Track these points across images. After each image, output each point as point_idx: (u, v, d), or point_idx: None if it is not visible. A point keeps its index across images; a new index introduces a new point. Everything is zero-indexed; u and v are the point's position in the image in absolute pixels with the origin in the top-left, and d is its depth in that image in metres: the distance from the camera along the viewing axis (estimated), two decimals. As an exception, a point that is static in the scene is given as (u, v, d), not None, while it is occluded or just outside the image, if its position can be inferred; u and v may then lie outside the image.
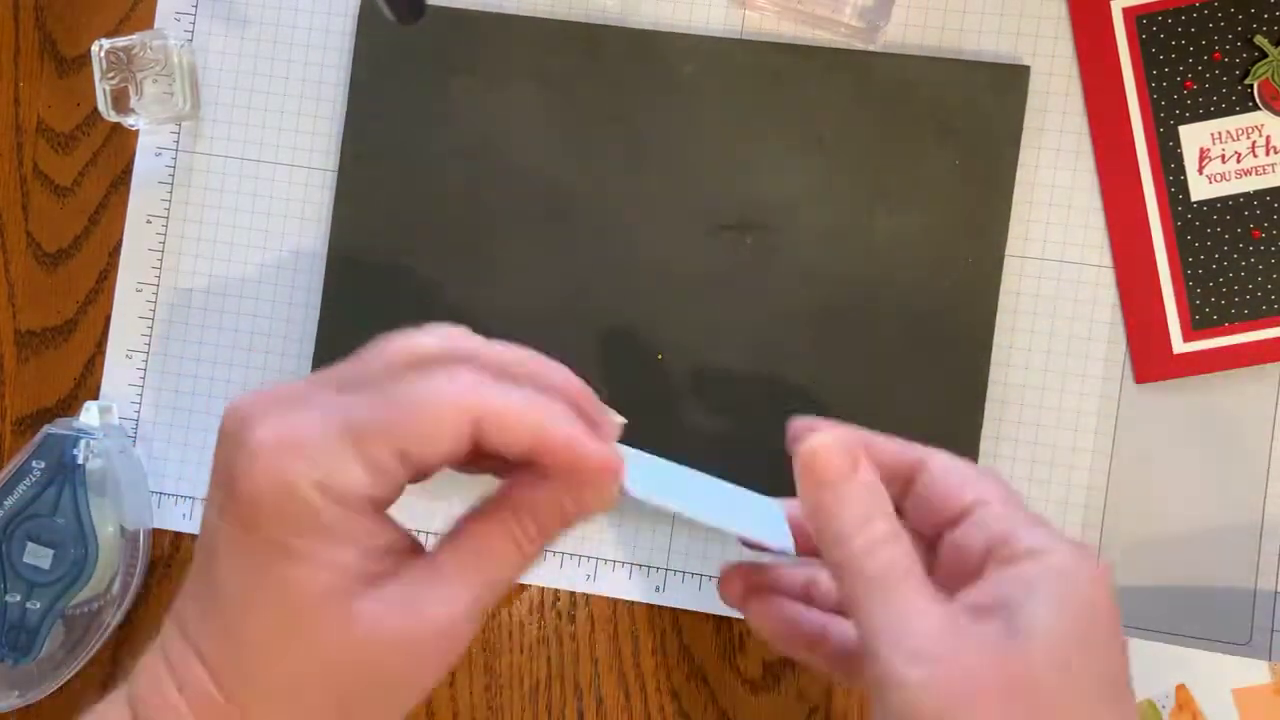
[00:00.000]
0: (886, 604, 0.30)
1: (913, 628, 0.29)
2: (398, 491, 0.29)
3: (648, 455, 0.32)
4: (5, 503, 0.47)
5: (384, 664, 0.29)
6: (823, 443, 0.31)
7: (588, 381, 0.31)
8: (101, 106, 0.49)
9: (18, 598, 0.47)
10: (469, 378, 0.29)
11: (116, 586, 0.48)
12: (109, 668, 0.50)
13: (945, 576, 0.32)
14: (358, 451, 0.28)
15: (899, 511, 0.33)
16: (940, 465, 0.33)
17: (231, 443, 0.29)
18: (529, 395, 0.29)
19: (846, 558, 0.30)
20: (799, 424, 0.33)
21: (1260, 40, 0.45)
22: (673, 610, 0.48)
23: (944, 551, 0.33)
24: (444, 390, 0.28)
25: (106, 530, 0.47)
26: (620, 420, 0.31)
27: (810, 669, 0.46)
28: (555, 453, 0.29)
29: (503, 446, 0.29)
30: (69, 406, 0.51)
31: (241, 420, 0.29)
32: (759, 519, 0.33)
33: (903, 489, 0.34)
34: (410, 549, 0.30)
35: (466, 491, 0.31)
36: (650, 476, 0.32)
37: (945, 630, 0.29)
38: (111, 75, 0.48)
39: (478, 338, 0.30)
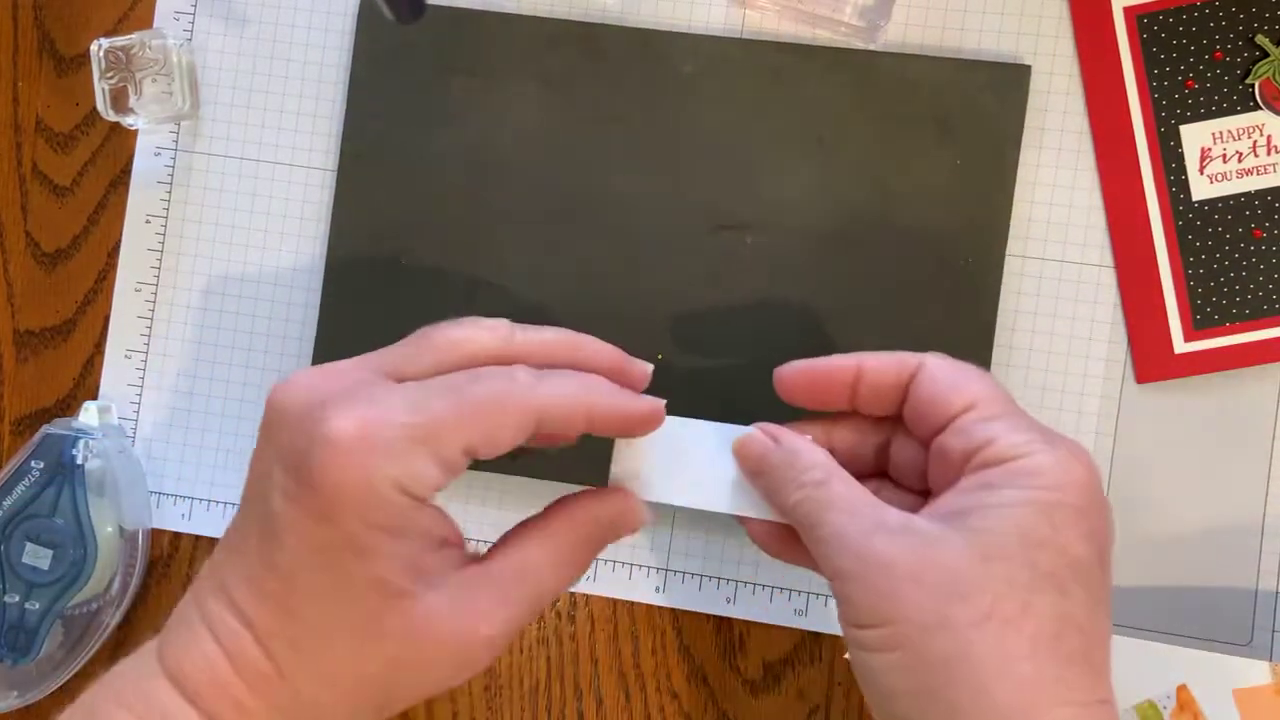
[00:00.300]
0: (831, 527, 0.32)
1: (850, 537, 0.31)
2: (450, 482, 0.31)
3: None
4: (4, 503, 0.47)
5: (432, 661, 0.31)
6: (744, 437, 0.35)
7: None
8: (100, 106, 0.49)
9: (17, 598, 0.47)
10: (527, 377, 0.31)
11: (115, 587, 0.48)
12: (108, 668, 0.50)
13: (933, 484, 0.34)
14: (430, 450, 0.29)
15: (901, 422, 0.35)
16: (930, 372, 0.34)
17: (303, 431, 0.29)
18: (578, 382, 0.32)
19: (793, 516, 0.33)
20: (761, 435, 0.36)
21: (1261, 40, 0.45)
22: (673, 610, 0.48)
23: (931, 458, 0.34)
24: (509, 392, 0.31)
25: (105, 530, 0.47)
26: (649, 368, 0.35)
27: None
28: (609, 424, 0.33)
29: (560, 432, 0.32)
30: (68, 407, 0.51)
31: (314, 407, 0.29)
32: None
33: (902, 399, 0.35)
34: (458, 540, 0.32)
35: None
36: (653, 468, 0.36)
37: (882, 532, 0.31)
38: (110, 75, 0.48)
39: (518, 327, 0.33)
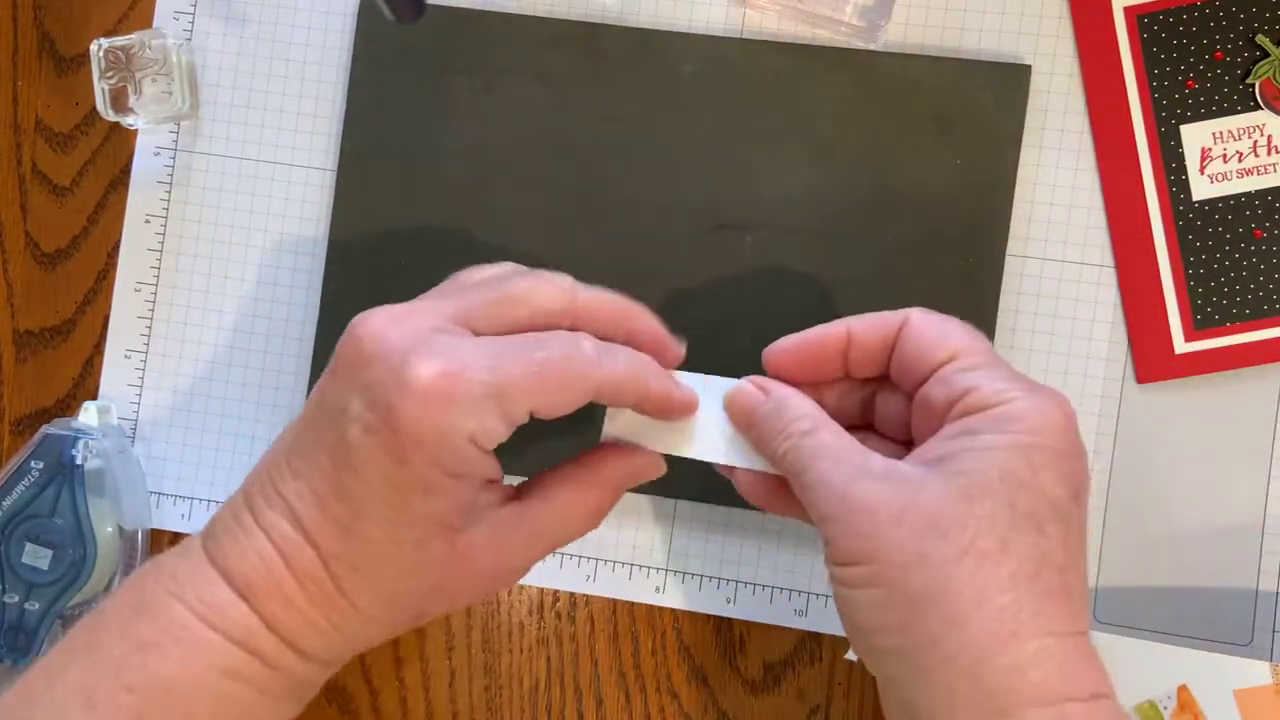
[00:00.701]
0: (818, 473, 0.33)
1: (835, 483, 0.33)
2: None
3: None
4: (4, 503, 0.47)
5: (466, 588, 0.35)
6: (734, 389, 0.37)
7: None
8: (100, 106, 0.48)
9: (16, 598, 0.47)
10: (592, 351, 0.34)
11: (115, 587, 0.48)
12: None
13: (917, 434, 0.35)
14: (501, 407, 0.32)
15: (889, 377, 0.36)
16: (915, 327, 0.35)
17: (390, 373, 0.32)
18: (633, 361, 0.35)
19: (782, 465, 0.35)
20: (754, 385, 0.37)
21: (1262, 39, 0.45)
22: (673, 610, 0.48)
23: (915, 409, 0.35)
24: (577, 363, 0.33)
25: (105, 530, 0.47)
26: (683, 350, 0.37)
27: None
28: (652, 405, 0.36)
29: (610, 402, 0.35)
30: (67, 407, 0.51)
31: (401, 352, 0.32)
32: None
33: (889, 357, 0.36)
34: (498, 478, 0.35)
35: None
36: (648, 422, 0.37)
37: (866, 478, 0.32)
38: (110, 74, 0.48)
39: (580, 286, 0.35)
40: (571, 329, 0.35)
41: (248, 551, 0.33)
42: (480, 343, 0.33)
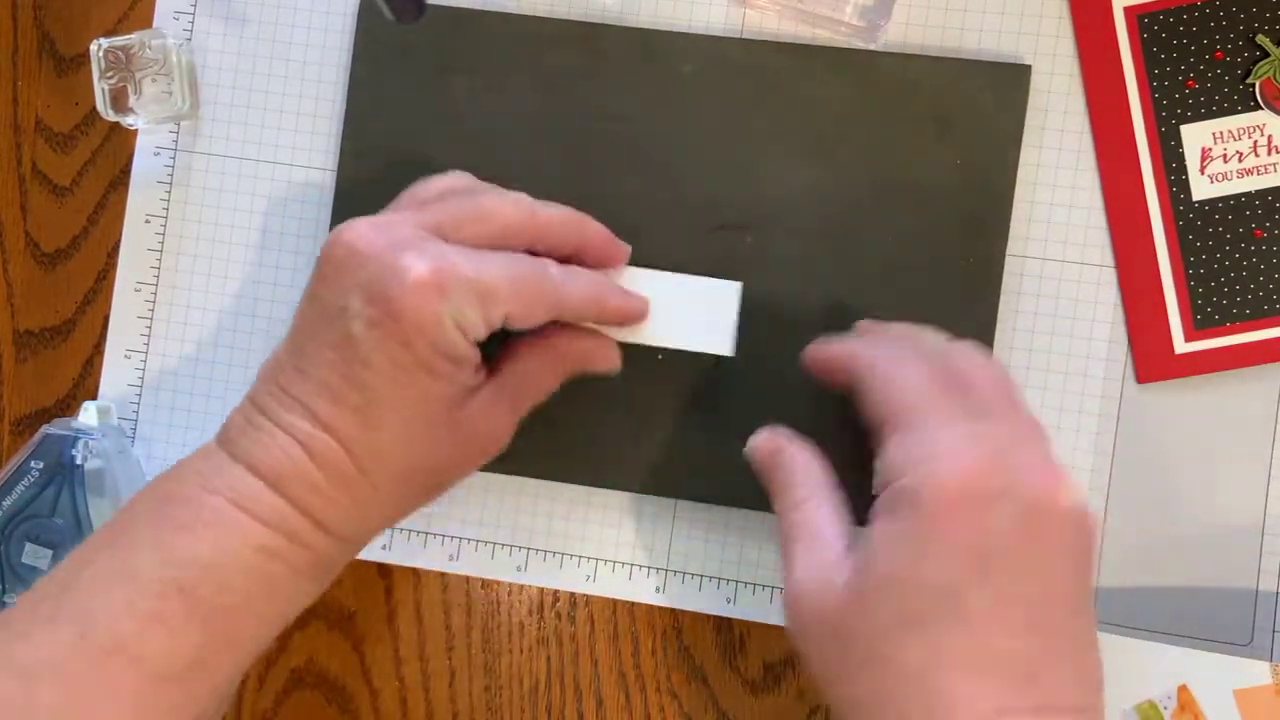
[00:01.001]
0: (788, 556, 0.37)
1: (795, 572, 0.36)
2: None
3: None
4: (3, 503, 0.47)
5: (471, 455, 0.39)
6: (756, 441, 0.41)
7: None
8: (100, 106, 0.48)
9: (16, 599, 0.47)
10: (557, 273, 0.38)
11: (115, 587, 0.48)
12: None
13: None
14: (482, 305, 0.36)
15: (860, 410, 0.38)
16: (871, 383, 0.38)
17: (386, 269, 0.35)
18: (593, 283, 0.40)
19: (779, 523, 0.38)
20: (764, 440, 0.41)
21: (1262, 39, 0.45)
22: (673, 610, 0.48)
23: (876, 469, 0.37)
24: (546, 280, 0.38)
25: (105, 531, 0.47)
26: (628, 249, 0.42)
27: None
28: (609, 319, 0.41)
29: (572, 320, 0.40)
30: (67, 407, 0.51)
31: (393, 251, 0.35)
32: (707, 319, 0.43)
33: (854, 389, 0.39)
34: (479, 362, 0.38)
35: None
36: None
37: (812, 580, 0.35)
38: (110, 75, 0.48)
39: (537, 204, 0.39)
40: (532, 242, 0.39)
41: (270, 448, 0.36)
42: (464, 250, 0.37)
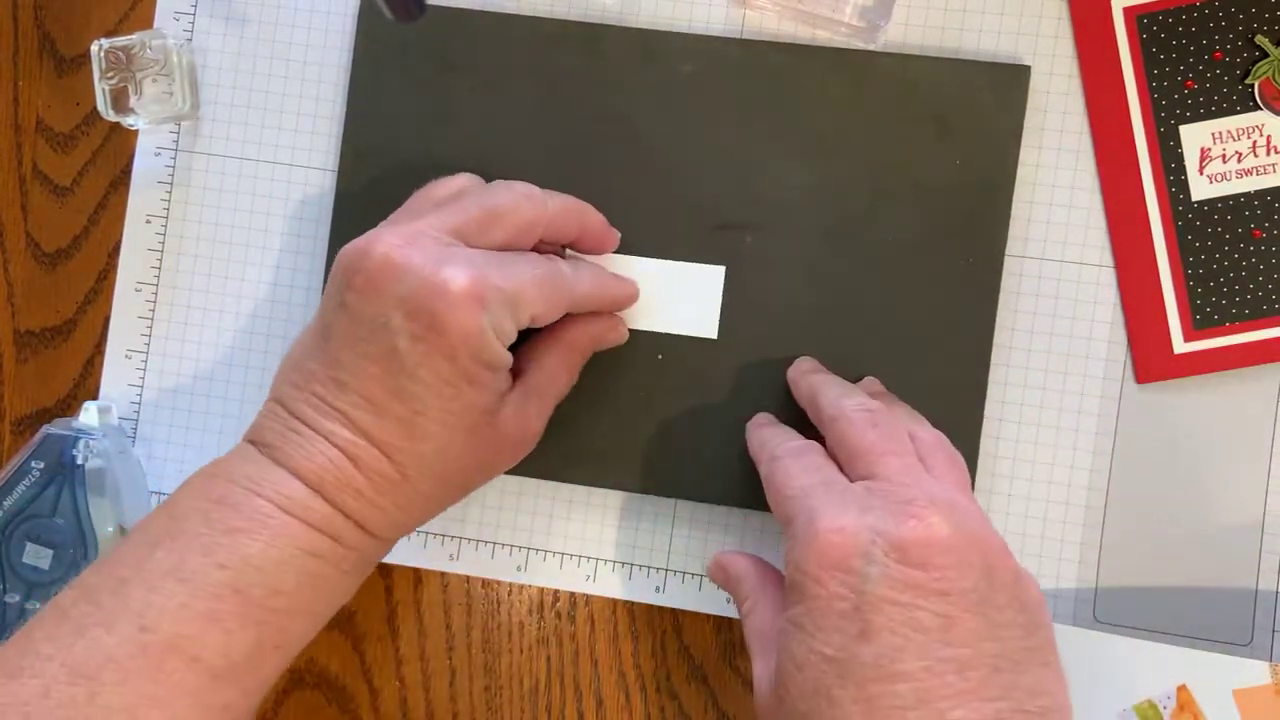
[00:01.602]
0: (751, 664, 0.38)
1: (754, 683, 0.37)
2: None
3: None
4: (4, 503, 0.47)
5: (502, 456, 0.41)
6: (708, 566, 0.43)
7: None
8: (101, 106, 0.49)
9: (17, 598, 0.47)
10: (569, 270, 0.40)
11: (116, 587, 0.48)
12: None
13: None
14: (513, 310, 0.38)
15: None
16: (833, 441, 0.39)
17: (427, 285, 0.36)
18: (599, 277, 0.43)
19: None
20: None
21: (1261, 40, 0.45)
22: (673, 610, 0.48)
23: None
24: (562, 280, 0.40)
25: (106, 530, 0.47)
26: (617, 234, 0.45)
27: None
28: (612, 307, 0.44)
29: (581, 310, 0.42)
30: (68, 407, 0.51)
31: (434, 265, 0.36)
32: (693, 303, 0.46)
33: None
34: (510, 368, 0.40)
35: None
36: None
37: (759, 679, 0.37)
38: (111, 75, 0.48)
39: (546, 196, 0.41)
40: (543, 235, 0.41)
41: (314, 454, 0.37)
42: (490, 256, 0.38)
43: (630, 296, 0.45)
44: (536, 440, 0.42)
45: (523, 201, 0.40)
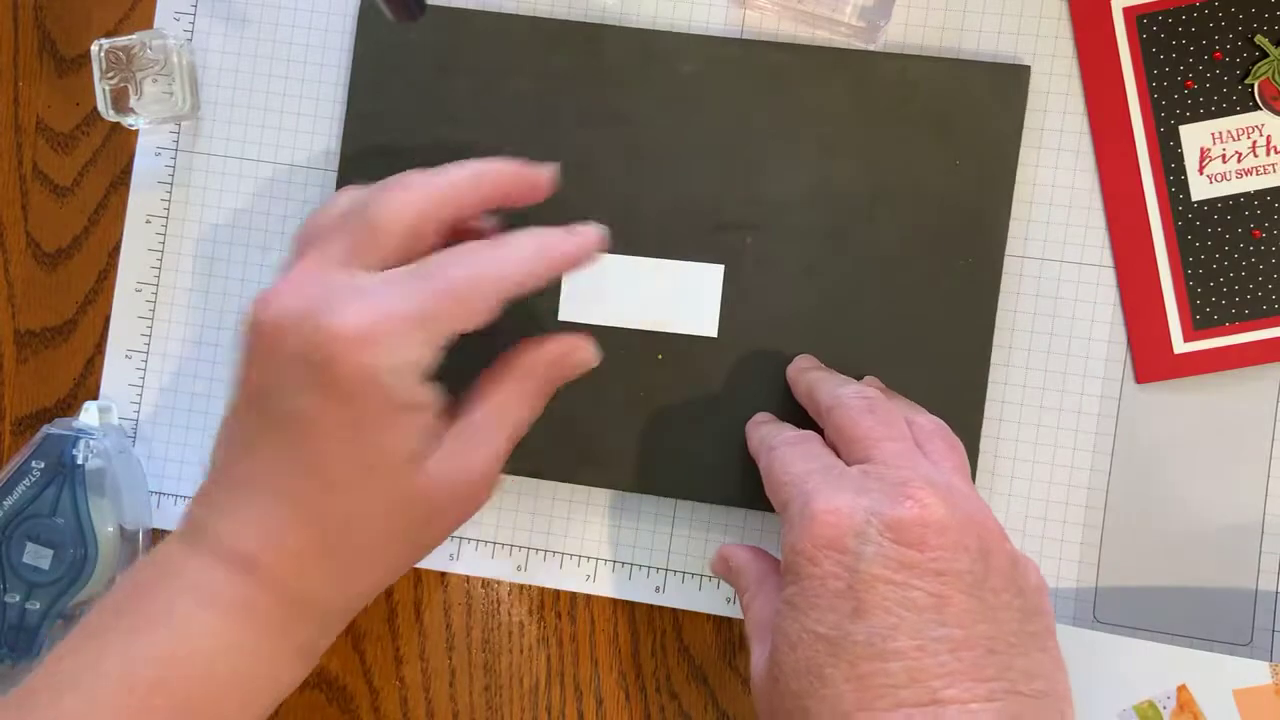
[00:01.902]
0: (747, 606, 0.39)
1: (751, 670, 0.37)
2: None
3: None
4: (4, 503, 0.47)
5: (443, 506, 0.36)
6: (711, 562, 0.42)
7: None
8: (101, 106, 0.49)
9: (17, 598, 0.47)
10: (488, 251, 0.35)
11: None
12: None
13: None
14: (425, 335, 0.33)
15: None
16: (831, 430, 0.39)
17: (315, 332, 0.33)
18: (529, 239, 0.36)
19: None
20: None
21: (1261, 40, 0.45)
22: (673, 610, 0.48)
23: None
24: (480, 270, 0.34)
25: (106, 530, 0.47)
26: (547, 170, 0.39)
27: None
28: (569, 266, 0.37)
29: (531, 289, 0.36)
30: (68, 407, 0.51)
31: (317, 312, 0.33)
32: (692, 302, 0.45)
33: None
34: (449, 407, 0.36)
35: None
36: (584, 294, 0.45)
37: (755, 664, 0.36)
38: (111, 75, 0.48)
39: (430, 177, 0.36)
40: (451, 220, 0.36)
41: (239, 535, 0.34)
42: (385, 278, 0.34)
43: (589, 245, 0.37)
44: (491, 487, 0.37)
45: (402, 195, 0.35)
